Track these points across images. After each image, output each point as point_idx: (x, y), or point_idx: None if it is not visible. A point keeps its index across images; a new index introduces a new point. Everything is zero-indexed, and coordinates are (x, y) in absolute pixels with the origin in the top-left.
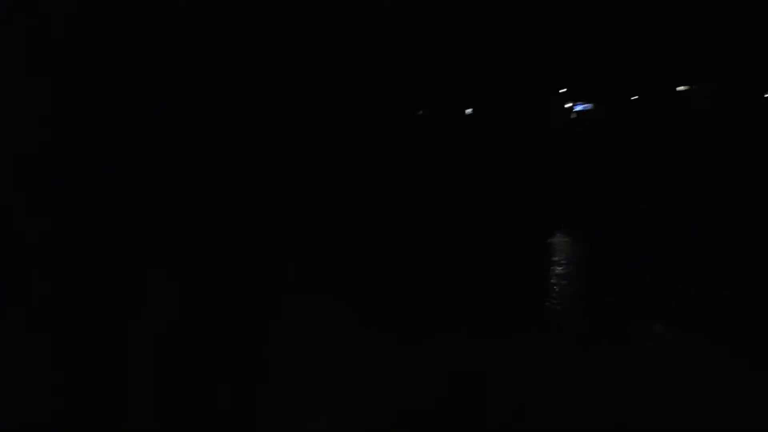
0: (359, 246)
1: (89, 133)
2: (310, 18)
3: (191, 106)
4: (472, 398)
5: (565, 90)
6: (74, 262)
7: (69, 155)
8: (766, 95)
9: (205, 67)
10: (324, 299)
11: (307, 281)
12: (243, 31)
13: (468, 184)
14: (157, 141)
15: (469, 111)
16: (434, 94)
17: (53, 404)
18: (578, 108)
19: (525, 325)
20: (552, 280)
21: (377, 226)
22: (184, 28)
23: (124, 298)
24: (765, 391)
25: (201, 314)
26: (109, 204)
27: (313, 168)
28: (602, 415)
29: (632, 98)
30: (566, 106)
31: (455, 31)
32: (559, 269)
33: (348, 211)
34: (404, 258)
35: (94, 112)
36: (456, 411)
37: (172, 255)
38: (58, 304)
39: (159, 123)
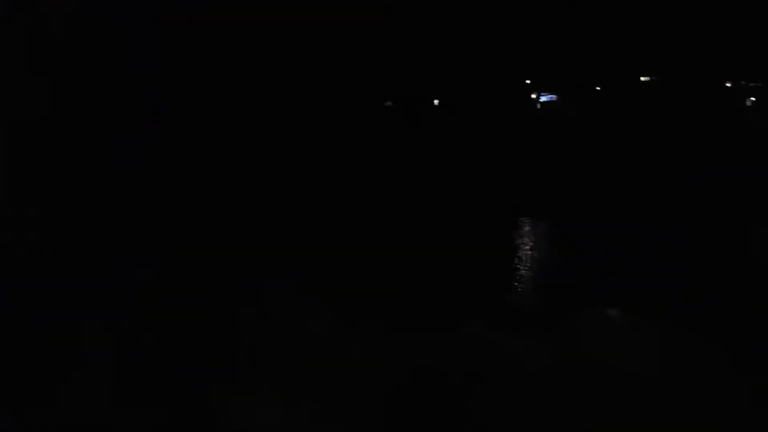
0: (336, 247)
1: (87, 134)
2: (293, 17)
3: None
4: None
5: (529, 81)
6: (66, 262)
7: (67, 155)
8: (727, 84)
9: (199, 66)
10: (310, 298)
11: (295, 280)
12: (232, 32)
13: (438, 178)
14: (149, 142)
15: (436, 102)
16: (402, 86)
17: (47, 403)
18: (543, 99)
19: (516, 326)
20: (536, 276)
21: (361, 226)
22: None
23: (118, 297)
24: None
25: (194, 314)
26: (103, 204)
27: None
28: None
29: (597, 88)
30: (532, 96)
31: (423, 24)
32: (548, 264)
33: (332, 211)
34: (387, 258)
35: (92, 113)
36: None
37: (164, 254)
38: (50, 303)
39: (150, 124)
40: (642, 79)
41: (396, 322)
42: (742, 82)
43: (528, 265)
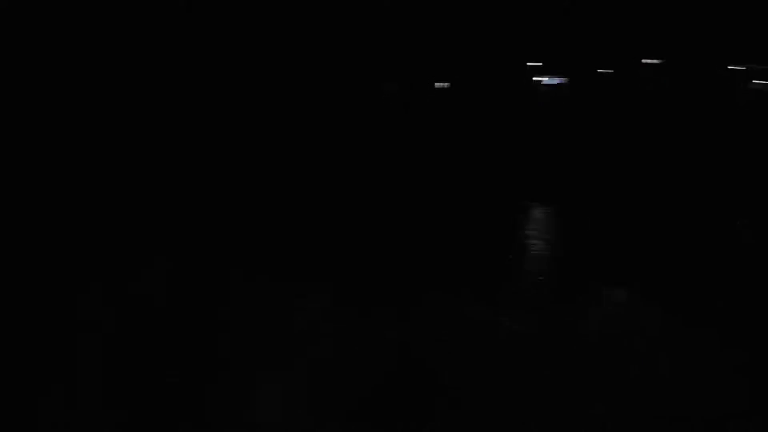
0: (333, 234)
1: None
2: None
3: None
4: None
5: (533, 64)
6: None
7: (52, 151)
8: (729, 66)
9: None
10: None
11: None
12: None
13: (439, 164)
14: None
15: (439, 85)
16: (400, 67)
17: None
18: (550, 82)
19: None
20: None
21: (358, 213)
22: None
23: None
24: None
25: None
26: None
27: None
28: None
29: (603, 71)
30: (536, 79)
31: (421, 5)
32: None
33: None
34: (385, 245)
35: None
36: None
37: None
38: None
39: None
40: (644, 61)
41: (390, 307)
42: (747, 65)
43: (528, 248)
